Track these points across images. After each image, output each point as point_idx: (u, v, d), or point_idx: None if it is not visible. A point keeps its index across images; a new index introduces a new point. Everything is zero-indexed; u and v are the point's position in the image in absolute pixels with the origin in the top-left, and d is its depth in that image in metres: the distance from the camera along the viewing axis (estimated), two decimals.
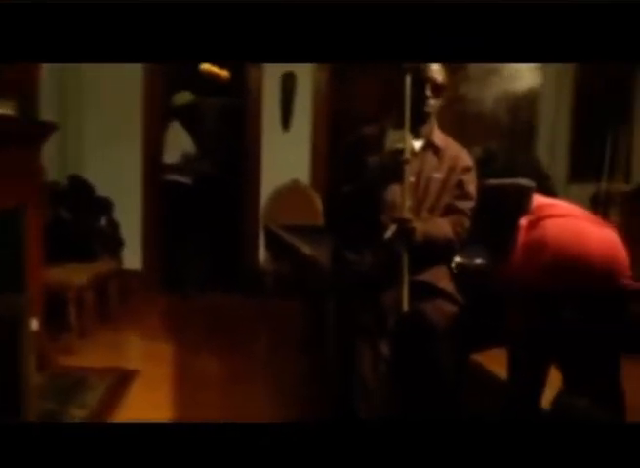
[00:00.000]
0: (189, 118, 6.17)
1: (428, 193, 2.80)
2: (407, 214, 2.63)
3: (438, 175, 2.81)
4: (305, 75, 6.12)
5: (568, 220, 2.54)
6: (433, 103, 2.77)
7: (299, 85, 6.16)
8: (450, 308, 2.63)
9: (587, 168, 5.46)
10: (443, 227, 2.76)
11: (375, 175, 2.71)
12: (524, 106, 6.55)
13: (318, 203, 6.18)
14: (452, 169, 2.83)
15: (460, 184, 2.83)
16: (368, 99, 6.31)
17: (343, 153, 2.95)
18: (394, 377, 2.57)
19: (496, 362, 3.71)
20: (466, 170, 2.86)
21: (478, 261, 2.90)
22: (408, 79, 2.63)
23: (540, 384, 2.53)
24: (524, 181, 2.64)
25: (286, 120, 6.20)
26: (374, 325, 2.58)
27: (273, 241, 4.75)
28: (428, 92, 2.73)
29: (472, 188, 2.83)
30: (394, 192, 2.73)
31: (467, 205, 2.82)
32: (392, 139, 2.73)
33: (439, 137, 2.89)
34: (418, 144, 2.81)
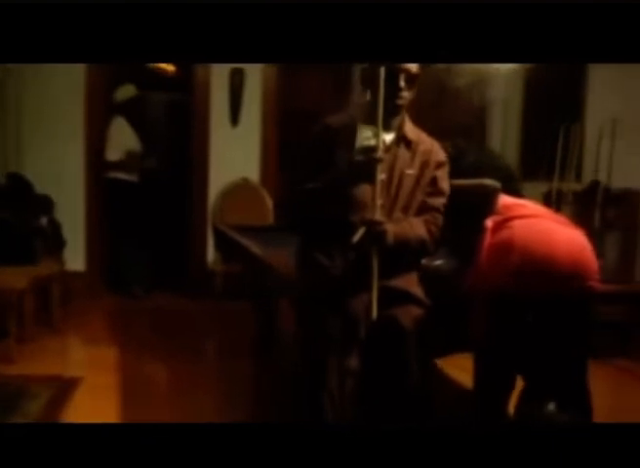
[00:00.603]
0: (133, 113, 6.05)
1: (401, 191, 2.64)
2: (378, 216, 2.47)
3: (411, 172, 2.65)
4: (254, 70, 6.04)
5: (535, 221, 2.46)
6: (406, 95, 2.60)
7: (247, 80, 6.07)
8: (421, 315, 2.50)
9: (539, 166, 5.46)
10: (417, 228, 2.60)
11: (344, 172, 2.54)
12: (474, 104, 6.54)
13: (268, 201, 6.16)
14: (425, 164, 2.68)
15: (434, 180, 2.68)
16: (318, 94, 6.28)
17: (308, 145, 2.74)
18: (364, 387, 2.44)
19: (454, 366, 3.68)
20: (440, 165, 2.71)
21: (441, 263, 2.79)
22: (382, 71, 2.46)
23: (506, 389, 2.45)
24: (489, 182, 2.56)
25: (235, 116, 6.10)
26: (342, 335, 2.43)
27: (222, 241, 4.64)
28: (402, 83, 2.56)
29: (445, 184, 2.69)
30: (364, 191, 2.56)
31: (440, 202, 2.67)
32: (363, 136, 2.58)
33: (411, 131, 2.73)
34: (389, 138, 2.64)
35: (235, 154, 6.08)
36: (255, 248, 3.64)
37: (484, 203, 2.52)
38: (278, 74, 6.15)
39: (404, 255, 2.58)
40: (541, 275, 2.33)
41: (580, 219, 4.85)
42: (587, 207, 4.92)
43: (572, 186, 5.28)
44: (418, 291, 2.59)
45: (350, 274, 2.53)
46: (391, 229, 2.49)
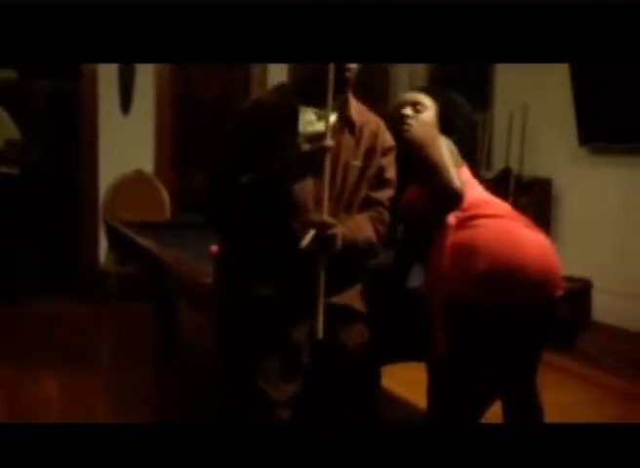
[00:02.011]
0: (13, 99, 5.72)
1: (346, 185, 2.21)
2: (328, 217, 2.07)
3: (356, 162, 2.25)
4: None
5: (502, 222, 2.22)
6: (354, 67, 2.19)
7: (139, 66, 5.79)
8: (365, 333, 2.18)
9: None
10: (365, 228, 2.22)
11: (287, 163, 2.10)
12: (377, 90, 6.40)
13: (164, 194, 5.96)
14: (371, 151, 2.28)
15: (380, 170, 2.30)
16: (214, 81, 6.14)
17: (236, 128, 2.27)
18: (301, 416, 2.09)
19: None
20: (386, 151, 2.32)
21: (381, 261, 2.46)
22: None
23: (465, 400, 2.24)
24: (457, 184, 2.29)
25: (126, 103, 5.83)
26: (273, 364, 2.06)
27: (116, 238, 4.39)
28: None
29: (392, 173, 2.33)
30: (306, 186, 2.15)
31: (387, 194, 2.30)
32: (306, 119, 2.17)
33: (356, 110, 2.31)
34: (331, 120, 2.18)
35: (127, 144, 5.82)
36: (152, 246, 3.48)
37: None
38: None
39: (348, 262, 2.20)
40: (507, 283, 2.12)
41: None
42: (499, 195, 4.82)
43: (482, 174, 5.20)
44: (360, 304, 2.24)
45: (285, 289, 2.13)
46: (340, 231, 2.11)
